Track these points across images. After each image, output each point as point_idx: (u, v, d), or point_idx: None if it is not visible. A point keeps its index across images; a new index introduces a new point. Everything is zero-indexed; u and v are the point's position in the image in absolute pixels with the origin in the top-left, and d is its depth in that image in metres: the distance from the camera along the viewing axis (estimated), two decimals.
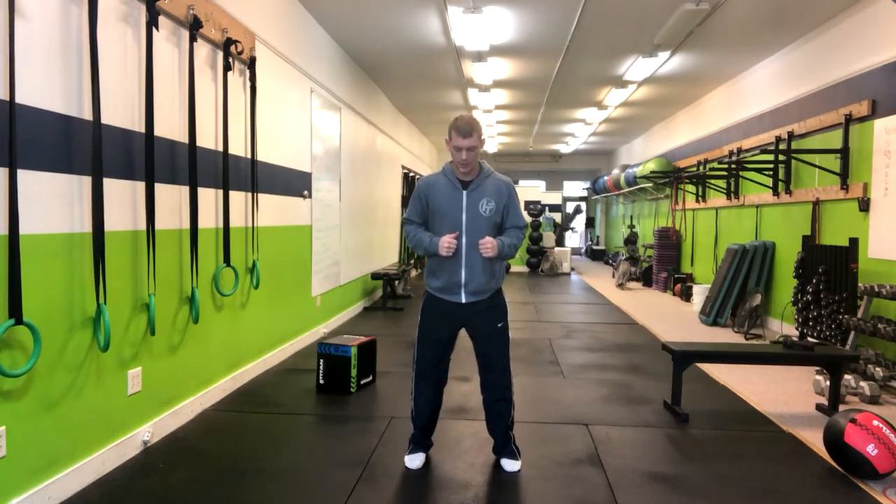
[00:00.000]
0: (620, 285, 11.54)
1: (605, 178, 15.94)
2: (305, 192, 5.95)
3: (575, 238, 21.50)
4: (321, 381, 4.44)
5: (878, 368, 4.55)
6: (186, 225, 3.71)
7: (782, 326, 6.68)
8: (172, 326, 3.63)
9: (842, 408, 4.13)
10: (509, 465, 3.15)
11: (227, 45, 4.13)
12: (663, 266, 10.99)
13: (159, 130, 3.37)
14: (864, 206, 5.24)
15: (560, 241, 15.72)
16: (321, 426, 3.87)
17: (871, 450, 3.01)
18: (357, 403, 4.22)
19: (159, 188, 3.37)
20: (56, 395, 2.72)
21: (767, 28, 6.28)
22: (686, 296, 9.52)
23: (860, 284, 4.97)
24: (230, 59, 4.18)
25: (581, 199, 20.95)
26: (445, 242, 2.95)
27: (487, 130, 13.66)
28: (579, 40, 6.85)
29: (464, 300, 3.07)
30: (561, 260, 14.20)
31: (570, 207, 18.45)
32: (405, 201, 11.66)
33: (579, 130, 13.69)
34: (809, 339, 5.56)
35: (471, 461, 3.26)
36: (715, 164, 8.91)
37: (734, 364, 5.18)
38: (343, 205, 7.38)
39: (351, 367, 4.37)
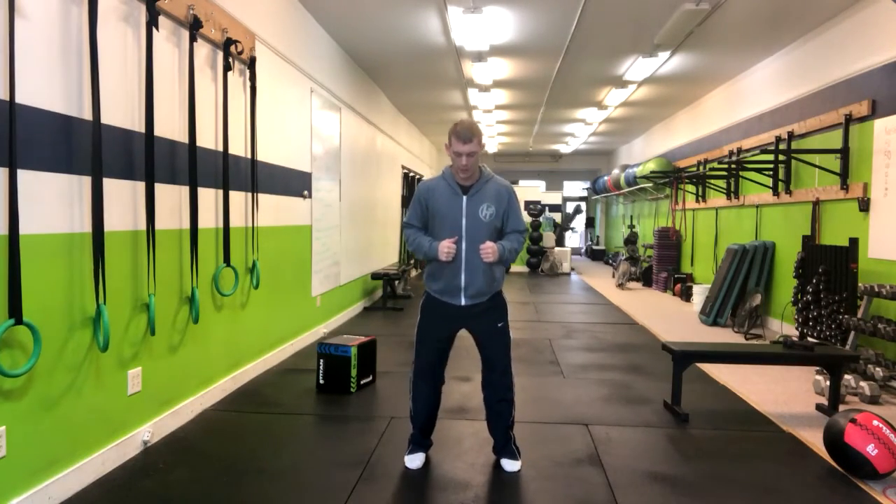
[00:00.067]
0: (620, 285, 11.54)
1: (605, 178, 15.94)
2: (305, 192, 5.95)
3: (575, 238, 21.50)
4: (321, 381, 4.44)
5: (878, 368, 4.55)
6: (186, 225, 3.71)
7: (782, 326, 6.68)
8: (172, 326, 3.63)
9: (842, 408, 4.13)
10: (509, 465, 3.15)
11: (227, 45, 4.13)
12: (663, 266, 10.99)
13: (159, 130, 3.37)
14: (864, 206, 5.24)
15: (560, 241, 15.72)
16: (321, 426, 3.87)
17: (871, 450, 3.01)
18: (357, 403, 4.22)
19: (159, 188, 3.37)
20: (56, 395, 2.72)
21: (767, 28, 6.28)
22: (686, 296, 9.52)
23: (860, 284, 4.97)
24: (230, 59, 4.18)
25: (581, 199, 20.95)
26: (445, 247, 2.95)
27: (487, 130, 13.66)
28: (579, 40, 6.85)
29: (463, 303, 3.07)
30: (561, 260, 14.20)
31: (570, 207, 18.45)
32: (405, 201, 11.66)
33: (579, 130, 13.69)
34: (809, 339, 5.56)
35: (471, 461, 3.26)
36: (715, 164, 8.91)
37: (734, 364, 5.18)
38: (343, 205, 7.38)
39: (351, 367, 4.37)
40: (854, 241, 5.15)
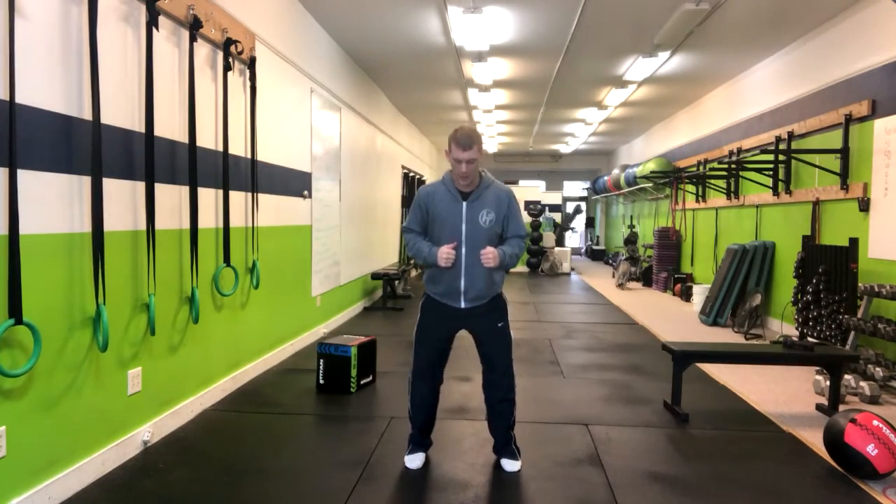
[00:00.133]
0: (620, 285, 11.54)
1: (605, 178, 15.94)
2: (305, 192, 5.95)
3: (575, 238, 21.50)
4: (321, 381, 4.44)
5: (878, 368, 4.55)
6: (186, 225, 3.71)
7: (782, 326, 6.68)
8: (172, 326, 3.63)
9: (842, 408, 4.13)
10: (509, 465, 3.15)
11: (227, 45, 4.13)
12: (663, 266, 10.99)
13: (159, 130, 3.37)
14: (864, 206, 5.24)
15: (560, 241, 15.72)
16: (321, 426, 3.87)
17: (871, 450, 3.01)
18: (357, 403, 4.22)
19: (159, 188, 3.37)
20: (56, 395, 2.72)
21: (767, 28, 6.28)
22: (686, 296, 9.52)
23: (860, 284, 4.97)
24: (230, 59, 4.18)
25: (581, 199, 20.95)
26: (444, 253, 2.95)
27: (487, 130, 13.66)
28: (579, 40, 6.85)
29: (463, 306, 3.08)
30: (561, 260, 14.20)
31: (570, 207, 18.45)
32: (405, 201, 11.66)
33: (579, 130, 13.70)
34: (809, 339, 5.56)
35: (471, 461, 3.26)
36: (715, 164, 8.91)
37: (734, 364, 5.18)
38: (343, 205, 7.38)
39: (351, 367, 4.37)
40: (854, 241, 5.15)
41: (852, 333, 4.94)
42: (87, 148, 2.81)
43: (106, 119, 2.94)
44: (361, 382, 4.49)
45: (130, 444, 3.23)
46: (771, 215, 7.29)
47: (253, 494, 2.86)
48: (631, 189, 13.52)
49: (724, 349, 4.67)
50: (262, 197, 4.85)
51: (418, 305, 3.24)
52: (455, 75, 8.55)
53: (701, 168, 9.58)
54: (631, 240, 13.22)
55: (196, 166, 3.72)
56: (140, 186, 3.23)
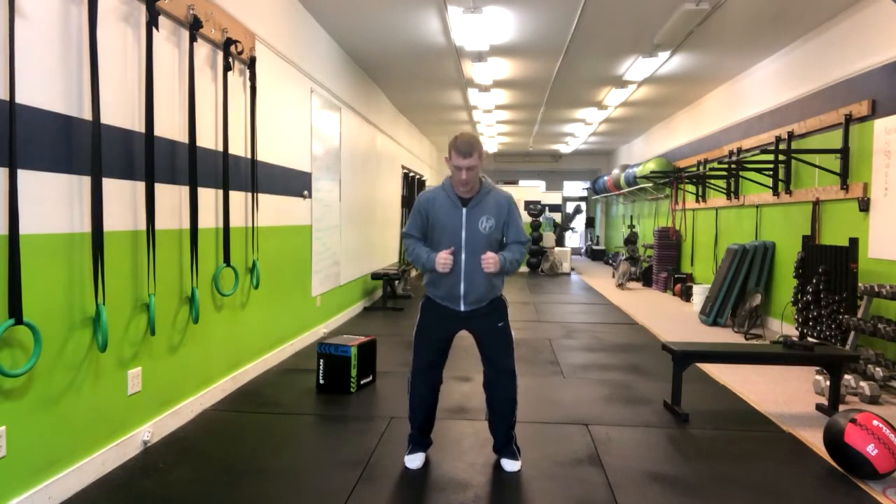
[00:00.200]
0: (620, 285, 11.54)
1: (605, 178, 15.94)
2: (305, 192, 5.95)
3: (575, 238, 21.50)
4: (321, 381, 4.44)
5: (878, 368, 4.55)
6: (186, 225, 3.71)
7: (782, 326, 6.68)
8: (172, 326, 3.63)
9: (842, 408, 4.13)
10: (509, 465, 3.15)
11: (227, 45, 4.13)
12: (663, 266, 10.99)
13: (159, 130, 3.37)
14: (864, 206, 5.24)
15: (560, 241, 15.72)
16: (321, 426, 3.87)
17: (871, 450, 3.02)
18: (357, 403, 4.22)
19: (159, 188, 3.37)
20: (56, 395, 2.72)
21: (767, 28, 6.28)
22: (686, 296, 9.52)
23: (860, 284, 4.97)
24: (230, 59, 4.18)
25: (581, 199, 20.95)
26: (441, 259, 2.95)
27: (487, 130, 13.66)
28: (579, 40, 6.85)
29: (463, 308, 3.08)
30: (561, 260, 14.20)
31: (570, 207, 18.45)
32: (405, 201, 11.66)
33: (579, 130, 13.70)
34: (809, 339, 5.56)
35: (471, 461, 3.26)
36: (715, 164, 8.91)
37: (734, 364, 5.18)
38: (343, 205, 7.38)
39: (351, 367, 4.37)
40: (854, 241, 5.15)
41: (852, 333, 4.94)
42: (87, 148, 2.81)
43: (106, 119, 2.94)
44: (361, 382, 4.49)
45: (130, 444, 3.23)
46: (771, 215, 7.29)
47: (253, 494, 2.86)
48: (631, 189, 13.53)
49: (724, 349, 4.67)
50: (262, 197, 4.85)
51: (418, 306, 3.24)
52: (455, 75, 8.55)
53: (701, 168, 9.58)
54: (631, 240, 13.22)
55: (196, 166, 3.72)
56: (140, 186, 3.23)
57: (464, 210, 3.02)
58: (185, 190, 3.69)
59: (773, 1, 5.54)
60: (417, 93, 9.85)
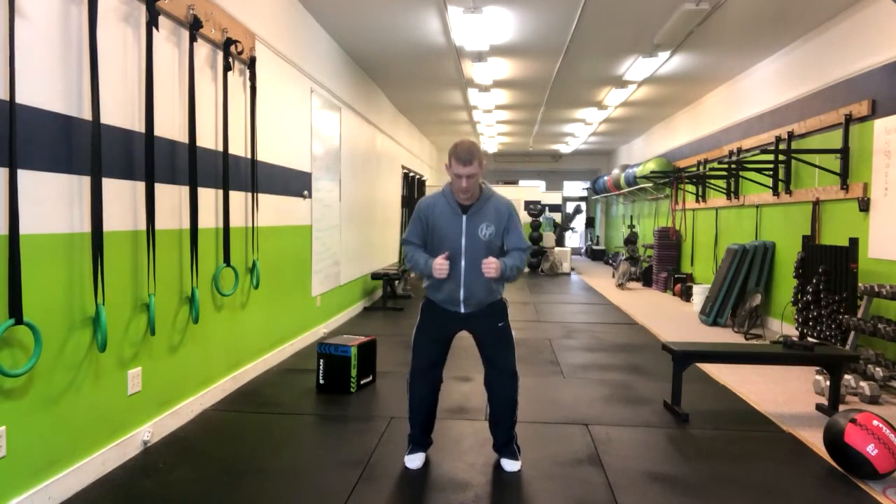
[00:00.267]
0: (620, 285, 11.54)
1: (605, 178, 15.94)
2: (305, 192, 5.95)
3: (575, 238, 21.50)
4: (321, 381, 4.44)
5: (878, 368, 4.55)
6: (186, 225, 3.71)
7: (782, 326, 6.68)
8: (172, 326, 3.63)
9: (842, 408, 4.13)
10: (509, 465, 3.15)
11: (227, 45, 4.13)
12: (663, 266, 10.99)
13: (159, 130, 3.37)
14: (864, 206, 5.24)
15: (560, 241, 15.72)
16: (321, 426, 3.87)
17: (871, 450, 3.02)
18: (357, 403, 4.22)
19: (159, 188, 3.38)
20: (56, 395, 2.72)
21: (767, 28, 6.28)
22: (686, 296, 9.52)
23: (860, 284, 4.97)
24: (230, 59, 4.18)
25: (581, 199, 20.95)
26: (437, 265, 2.96)
27: (487, 130, 13.67)
28: (579, 40, 6.85)
29: (463, 311, 3.09)
30: (561, 260, 14.20)
31: (570, 207, 18.45)
32: (405, 201, 11.66)
33: (579, 130, 13.70)
34: (809, 339, 5.56)
35: (471, 461, 3.26)
36: (715, 164, 8.91)
37: (734, 364, 5.18)
38: (343, 205, 7.38)
39: (351, 367, 4.37)
40: (854, 241, 5.15)
41: (852, 333, 4.94)
42: (87, 148, 2.81)
43: (106, 119, 2.94)
44: (361, 382, 4.49)
45: (130, 444, 3.23)
46: (771, 215, 7.29)
47: (253, 494, 2.86)
48: (631, 189, 13.53)
49: (724, 349, 4.67)
50: (262, 197, 4.85)
51: (418, 306, 3.24)
52: (455, 75, 8.55)
53: (701, 168, 9.58)
54: (631, 240, 13.22)
55: (196, 166, 3.72)
56: (140, 186, 3.23)
57: (464, 217, 3.02)
58: (185, 190, 3.69)
59: (773, 1, 5.54)
60: (417, 93, 9.85)
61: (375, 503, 2.81)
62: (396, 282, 8.82)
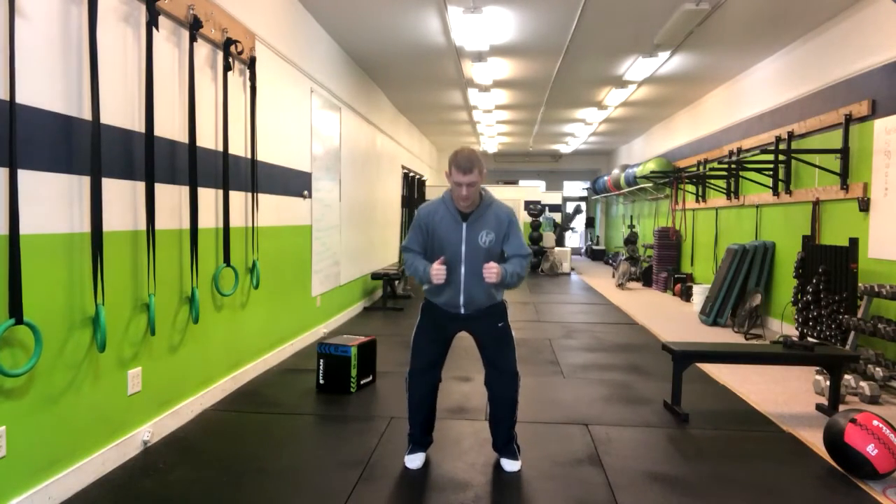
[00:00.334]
0: (620, 285, 11.54)
1: (605, 178, 15.94)
2: (305, 192, 5.95)
3: (575, 238, 21.50)
4: (321, 381, 4.44)
5: (878, 368, 4.55)
6: (186, 225, 3.71)
7: (782, 326, 6.68)
8: (172, 326, 3.63)
9: (842, 408, 4.13)
10: (509, 465, 3.15)
11: (227, 45, 4.13)
12: (663, 266, 10.99)
13: (159, 130, 3.37)
14: (864, 206, 5.24)
15: (560, 241, 15.73)
16: (321, 426, 3.87)
17: (871, 450, 3.02)
18: (357, 403, 4.22)
19: (159, 188, 3.38)
20: (56, 395, 2.72)
21: (767, 28, 6.28)
22: (686, 296, 9.52)
23: (860, 284, 4.98)
24: (230, 59, 4.18)
25: (581, 199, 20.95)
26: (434, 271, 2.95)
27: (487, 130, 13.67)
28: (579, 40, 6.85)
29: (462, 312, 3.09)
30: (561, 260, 14.20)
31: (570, 207, 18.45)
32: (405, 201, 11.66)
33: (579, 130, 13.70)
34: (809, 339, 5.56)
35: (471, 461, 3.26)
36: (715, 164, 8.92)
37: (734, 364, 5.18)
38: (343, 205, 7.38)
39: (351, 367, 4.37)
40: (854, 241, 5.15)
41: (852, 333, 4.94)
42: (86, 148, 2.81)
43: (106, 119, 2.94)
44: (361, 382, 4.49)
45: (130, 444, 3.23)
46: (771, 215, 7.29)
47: (253, 494, 2.86)
48: (631, 189, 13.53)
49: (724, 349, 4.67)
50: (262, 197, 4.85)
51: (418, 306, 3.24)
52: (455, 75, 8.55)
53: (701, 168, 9.58)
54: (631, 240, 13.22)
55: (196, 166, 3.72)
56: (140, 186, 3.23)
57: (464, 225, 3.02)
58: (185, 190, 3.69)
59: (773, 1, 5.54)
60: (417, 93, 9.85)
61: (375, 503, 2.81)
62: (396, 282, 8.82)
